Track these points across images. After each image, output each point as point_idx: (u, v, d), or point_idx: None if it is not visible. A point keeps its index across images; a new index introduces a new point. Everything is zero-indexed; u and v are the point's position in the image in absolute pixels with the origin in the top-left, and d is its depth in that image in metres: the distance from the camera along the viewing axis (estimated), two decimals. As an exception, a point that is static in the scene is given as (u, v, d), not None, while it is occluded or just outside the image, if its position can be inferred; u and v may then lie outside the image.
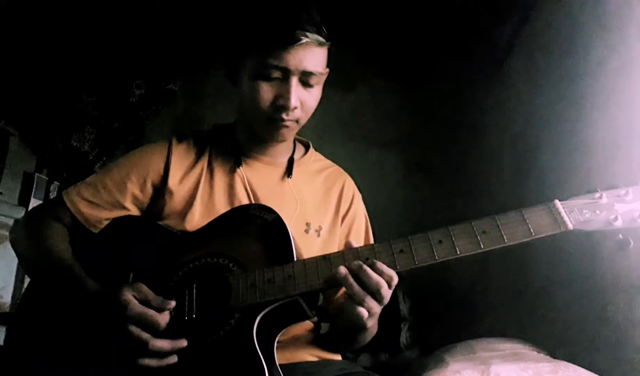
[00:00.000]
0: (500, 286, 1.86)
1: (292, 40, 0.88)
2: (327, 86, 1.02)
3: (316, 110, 1.01)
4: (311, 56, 0.91)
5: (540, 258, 1.57)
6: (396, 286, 0.79)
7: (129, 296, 0.80)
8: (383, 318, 0.89)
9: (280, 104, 0.93)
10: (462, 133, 2.25)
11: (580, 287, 1.36)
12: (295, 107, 0.94)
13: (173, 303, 0.82)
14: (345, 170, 1.19)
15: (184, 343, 0.80)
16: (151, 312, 0.79)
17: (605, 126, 1.34)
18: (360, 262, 0.78)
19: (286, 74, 0.91)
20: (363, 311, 0.77)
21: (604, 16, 1.39)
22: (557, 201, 0.77)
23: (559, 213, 0.76)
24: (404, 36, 2.59)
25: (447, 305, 2.11)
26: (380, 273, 0.77)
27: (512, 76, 1.93)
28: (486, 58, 2.08)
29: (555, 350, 1.31)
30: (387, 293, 0.78)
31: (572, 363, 1.08)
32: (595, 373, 1.04)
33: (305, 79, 0.93)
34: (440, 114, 2.42)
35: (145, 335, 0.78)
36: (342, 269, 0.78)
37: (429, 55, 2.53)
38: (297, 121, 0.98)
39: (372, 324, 0.89)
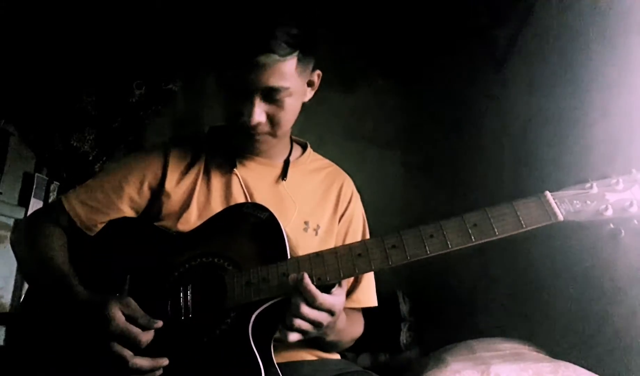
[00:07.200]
0: (500, 286, 1.86)
1: (248, 63, 0.85)
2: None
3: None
4: (272, 73, 0.87)
5: (541, 258, 1.57)
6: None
7: (114, 310, 0.79)
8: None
9: (242, 121, 0.92)
10: (462, 133, 2.25)
11: (581, 287, 1.36)
12: (259, 123, 0.92)
13: (160, 323, 0.82)
14: (345, 170, 1.19)
15: (165, 362, 0.80)
16: (135, 330, 0.79)
17: (605, 126, 1.34)
18: (308, 287, 0.77)
19: (246, 91, 0.89)
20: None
21: (602, 16, 1.39)
22: (547, 193, 0.76)
23: (550, 204, 0.75)
24: (404, 36, 2.58)
25: (447, 305, 2.10)
26: (319, 306, 0.78)
27: (512, 76, 1.93)
28: (486, 58, 2.08)
29: (555, 350, 1.31)
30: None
31: (572, 363, 1.08)
32: (596, 373, 1.04)
33: (270, 94, 0.90)
34: (440, 114, 2.42)
35: (126, 352, 0.78)
36: (293, 276, 0.80)
37: (429, 56, 2.53)
38: (270, 134, 0.96)
39: (332, 337, 0.92)
